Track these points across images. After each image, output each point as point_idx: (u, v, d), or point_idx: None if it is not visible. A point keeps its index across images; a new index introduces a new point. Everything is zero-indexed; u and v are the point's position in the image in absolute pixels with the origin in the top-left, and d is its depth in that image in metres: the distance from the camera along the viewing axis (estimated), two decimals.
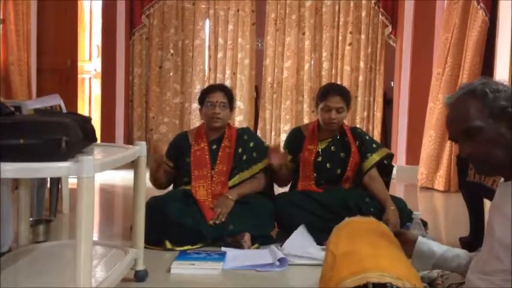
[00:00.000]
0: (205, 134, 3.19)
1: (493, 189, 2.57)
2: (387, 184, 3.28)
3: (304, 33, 5.66)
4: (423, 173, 4.78)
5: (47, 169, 1.68)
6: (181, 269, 2.51)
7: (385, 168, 3.30)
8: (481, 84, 1.42)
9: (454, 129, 1.46)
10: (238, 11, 5.69)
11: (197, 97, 3.42)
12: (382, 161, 3.25)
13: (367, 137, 3.34)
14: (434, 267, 1.70)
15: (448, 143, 4.60)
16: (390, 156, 3.35)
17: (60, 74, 5.18)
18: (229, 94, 3.22)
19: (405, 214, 3.05)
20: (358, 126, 4.99)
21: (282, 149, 3.26)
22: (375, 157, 3.21)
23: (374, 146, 3.27)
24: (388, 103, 5.90)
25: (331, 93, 3.15)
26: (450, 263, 1.67)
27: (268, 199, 3.15)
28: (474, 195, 2.90)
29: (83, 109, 5.81)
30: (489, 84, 1.42)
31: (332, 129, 3.19)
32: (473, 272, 1.47)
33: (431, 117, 4.79)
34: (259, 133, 5.61)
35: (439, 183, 4.64)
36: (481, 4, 4.41)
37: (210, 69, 5.79)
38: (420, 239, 1.75)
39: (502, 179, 1.44)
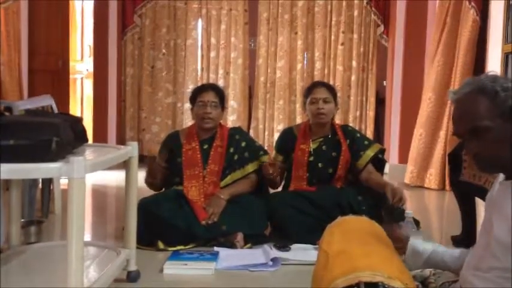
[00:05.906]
0: (197, 134, 3.18)
1: (484, 188, 2.58)
2: None
3: (296, 33, 5.66)
4: (413, 171, 4.79)
5: (38, 170, 1.68)
6: (174, 269, 2.50)
7: (378, 163, 3.30)
8: (491, 82, 1.35)
9: (460, 127, 1.40)
10: (230, 10, 5.68)
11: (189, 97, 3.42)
12: (377, 155, 3.26)
13: (358, 135, 3.34)
14: (427, 262, 1.71)
15: (439, 141, 4.61)
16: (382, 152, 3.36)
17: (52, 74, 5.15)
18: (220, 93, 3.22)
19: (398, 212, 3.04)
20: (350, 125, 4.99)
21: (274, 154, 3.32)
22: (369, 153, 3.21)
23: (366, 142, 3.28)
24: (380, 102, 5.91)
25: (316, 86, 3.26)
26: (442, 256, 1.67)
27: (260, 198, 3.14)
28: (466, 194, 2.91)
29: (74, 109, 5.78)
30: (499, 82, 1.35)
31: (322, 123, 3.19)
32: (467, 268, 1.47)
33: (421, 115, 4.80)
34: (252, 133, 5.61)
35: (430, 182, 4.66)
36: (472, 3, 4.43)
37: (202, 69, 5.78)
38: (412, 239, 1.76)
39: (502, 177, 1.42)
